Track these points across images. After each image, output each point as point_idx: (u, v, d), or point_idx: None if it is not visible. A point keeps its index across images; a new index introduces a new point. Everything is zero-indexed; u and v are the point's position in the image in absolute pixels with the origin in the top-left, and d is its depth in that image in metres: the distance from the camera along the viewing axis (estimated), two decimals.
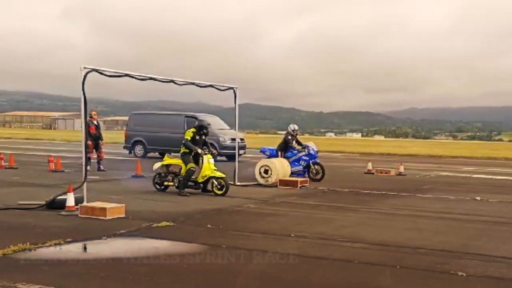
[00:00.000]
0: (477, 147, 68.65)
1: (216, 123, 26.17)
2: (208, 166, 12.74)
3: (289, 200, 12.27)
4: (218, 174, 12.77)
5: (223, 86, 14.45)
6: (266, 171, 15.26)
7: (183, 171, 12.81)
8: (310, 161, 16.76)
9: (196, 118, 25.47)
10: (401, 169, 20.79)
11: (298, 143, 17.19)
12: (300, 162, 16.77)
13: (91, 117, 17.91)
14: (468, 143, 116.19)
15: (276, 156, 16.76)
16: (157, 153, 26.43)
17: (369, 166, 21.20)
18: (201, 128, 13.16)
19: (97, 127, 18.56)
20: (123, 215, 9.25)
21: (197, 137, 13.01)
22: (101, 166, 18.10)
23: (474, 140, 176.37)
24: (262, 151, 17.80)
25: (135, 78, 11.03)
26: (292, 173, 16.65)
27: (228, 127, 26.13)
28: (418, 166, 26.14)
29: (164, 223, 8.71)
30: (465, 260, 6.85)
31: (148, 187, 13.69)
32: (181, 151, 13.00)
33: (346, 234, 8.39)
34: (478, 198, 13.47)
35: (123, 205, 9.53)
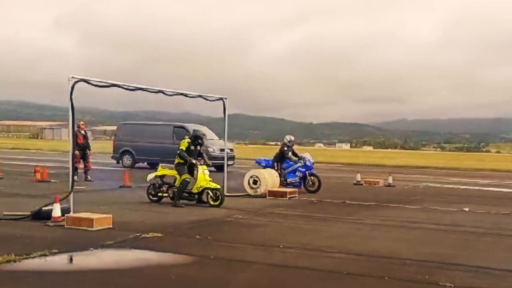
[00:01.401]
0: (465, 158, 69.07)
1: (205, 134, 26.12)
2: (203, 177, 12.66)
3: (278, 211, 12.23)
4: (213, 185, 12.68)
5: (212, 96, 14.44)
6: (255, 182, 15.22)
7: (177, 182, 12.73)
8: (306, 172, 16.74)
9: (185, 128, 25.51)
10: (390, 180, 20.84)
11: (294, 154, 17.18)
12: (296, 173, 16.74)
13: (78, 127, 17.82)
14: (456, 154, 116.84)
15: (272, 167, 16.73)
16: (145, 163, 26.33)
17: (358, 177, 21.23)
18: (196, 139, 13.09)
19: (85, 137, 18.48)
20: (111, 226, 9.17)
21: (192, 148, 12.94)
22: (88, 176, 17.99)
23: (462, 151, 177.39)
24: (258, 162, 17.76)
25: (124, 88, 10.98)
26: (288, 184, 16.63)
27: (217, 138, 26.12)
28: (406, 177, 26.23)
29: (152, 234, 8.64)
30: (453, 271, 6.85)
31: (136, 197, 13.62)
32: (176, 162, 12.92)
33: (334, 245, 8.37)
34: (466, 209, 13.51)
35: (110, 215, 9.45)
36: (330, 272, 6.68)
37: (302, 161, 16.85)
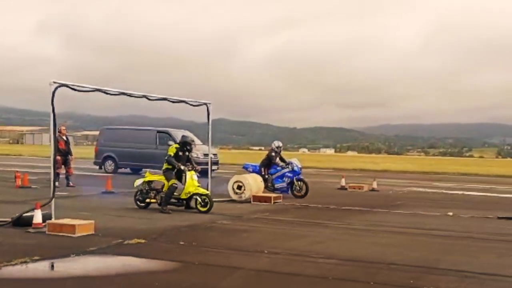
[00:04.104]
0: (449, 163, 69.59)
1: None
2: (192, 182, 12.51)
3: (263, 216, 12.18)
4: (202, 190, 12.55)
5: (196, 102, 14.34)
6: (239, 187, 15.15)
7: (165, 187, 12.60)
8: (294, 178, 16.67)
9: (168, 133, 25.37)
10: (374, 184, 20.89)
11: (282, 160, 17.08)
12: (284, 179, 16.66)
13: (60, 132, 17.61)
14: (440, 159, 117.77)
15: (259, 172, 16.67)
16: (128, 168, 26.12)
17: (342, 182, 21.25)
18: (185, 145, 12.94)
19: (66, 142, 18.26)
20: (93, 232, 9.05)
21: (180, 153, 12.80)
22: (70, 182, 17.80)
23: (445, 156, 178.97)
24: (245, 168, 17.67)
25: (106, 93, 10.86)
26: (276, 190, 16.55)
27: (200, 143, 25.93)
28: (391, 182, 26.33)
29: (135, 240, 8.54)
30: (438, 276, 6.84)
31: (119, 203, 13.47)
32: (164, 167, 12.79)
33: (319, 250, 8.33)
34: (450, 213, 13.57)
35: (93, 221, 9.33)
36: (316, 278, 6.63)
37: (289, 166, 16.77)
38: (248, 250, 8.16)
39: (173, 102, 13.71)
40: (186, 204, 12.72)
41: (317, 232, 10.18)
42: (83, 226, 9.04)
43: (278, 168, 16.84)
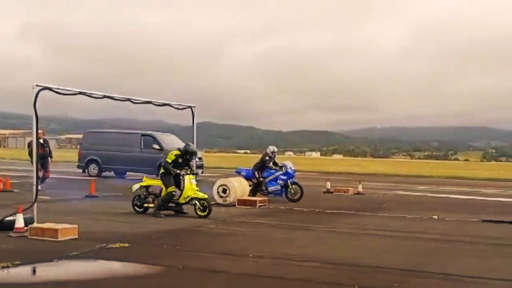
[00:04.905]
0: (434, 166, 70.07)
1: (173, 142, 25.88)
2: (190, 186, 12.25)
3: (248, 220, 12.13)
4: (201, 195, 12.30)
5: (180, 105, 14.27)
6: (224, 191, 15.09)
7: (163, 193, 12.34)
8: (288, 181, 16.56)
9: (152, 136, 25.25)
10: (360, 188, 20.93)
11: (275, 164, 16.99)
12: (278, 182, 16.56)
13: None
14: (425, 162, 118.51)
15: (253, 176, 16.59)
16: (112, 172, 25.92)
17: (328, 185, 21.27)
18: (187, 153, 12.63)
19: (43, 145, 17.99)
20: (76, 236, 8.95)
21: (180, 160, 12.51)
22: (40, 186, 17.47)
23: (431, 159, 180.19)
24: (238, 172, 17.54)
25: (90, 96, 10.75)
26: (269, 193, 16.48)
27: None
28: (376, 185, 26.41)
29: (119, 244, 8.47)
30: (422, 279, 6.86)
31: (103, 207, 13.35)
32: (161, 172, 12.59)
33: (305, 253, 8.31)
34: (435, 216, 13.62)
35: (76, 226, 9.23)
36: (300, 281, 6.61)
37: (283, 169, 16.68)
38: (233, 254, 8.12)
39: (158, 105, 13.65)
40: (177, 208, 12.44)
41: (303, 236, 10.16)
42: (66, 230, 8.94)
43: (272, 171, 16.74)
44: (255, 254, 8.07)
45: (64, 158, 37.45)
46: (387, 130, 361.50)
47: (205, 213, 12.13)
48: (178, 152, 12.65)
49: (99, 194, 15.97)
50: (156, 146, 24.52)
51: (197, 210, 12.24)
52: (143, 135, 25.63)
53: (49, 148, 18.26)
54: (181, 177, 12.38)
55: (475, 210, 15.72)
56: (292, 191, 16.54)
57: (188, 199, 12.32)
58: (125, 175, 25.85)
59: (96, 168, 25.69)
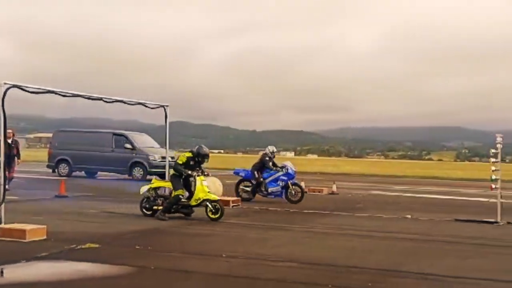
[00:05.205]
0: (408, 166, 70.79)
1: (146, 142, 25.62)
2: (202, 188, 11.84)
3: (222, 220, 11.99)
4: (213, 196, 11.93)
5: (153, 104, 14.09)
6: None
7: (172, 195, 11.94)
8: (289, 182, 16.35)
9: (124, 136, 24.91)
10: (334, 188, 20.97)
11: (274, 164, 16.78)
12: (278, 182, 16.30)
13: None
14: (399, 162, 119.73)
15: (252, 177, 16.41)
16: (82, 172, 25.52)
17: (302, 185, 21.22)
18: (199, 156, 12.18)
19: (10, 145, 17.60)
20: (45, 237, 8.76)
21: (192, 163, 12.09)
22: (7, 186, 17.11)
23: (405, 159, 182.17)
24: (236, 173, 17.29)
25: (59, 94, 10.50)
26: (269, 194, 16.28)
27: (158, 146, 25.48)
28: (350, 185, 26.49)
29: (89, 245, 8.30)
30: (399, 279, 6.83)
31: (73, 207, 13.11)
32: (171, 173, 12.21)
33: (279, 253, 8.23)
34: (409, 216, 13.68)
35: (45, 226, 9.03)
36: (275, 281, 6.52)
37: (283, 170, 16.45)
38: (206, 254, 8.00)
39: (131, 104, 13.44)
40: (172, 209, 11.94)
41: (277, 236, 10.08)
42: (35, 231, 8.75)
43: (272, 171, 16.52)
44: (229, 254, 7.97)
45: (34, 158, 36.88)
46: (362, 130, 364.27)
47: (217, 216, 11.72)
48: (190, 154, 12.16)
49: (69, 194, 15.70)
50: (128, 146, 24.20)
51: (208, 213, 11.82)
52: (115, 134, 25.24)
53: (18, 149, 17.85)
54: (192, 179, 12.01)
55: (449, 210, 15.82)
56: (293, 192, 16.25)
57: (199, 201, 11.87)
58: (96, 175, 25.49)
59: (67, 167, 25.24)
